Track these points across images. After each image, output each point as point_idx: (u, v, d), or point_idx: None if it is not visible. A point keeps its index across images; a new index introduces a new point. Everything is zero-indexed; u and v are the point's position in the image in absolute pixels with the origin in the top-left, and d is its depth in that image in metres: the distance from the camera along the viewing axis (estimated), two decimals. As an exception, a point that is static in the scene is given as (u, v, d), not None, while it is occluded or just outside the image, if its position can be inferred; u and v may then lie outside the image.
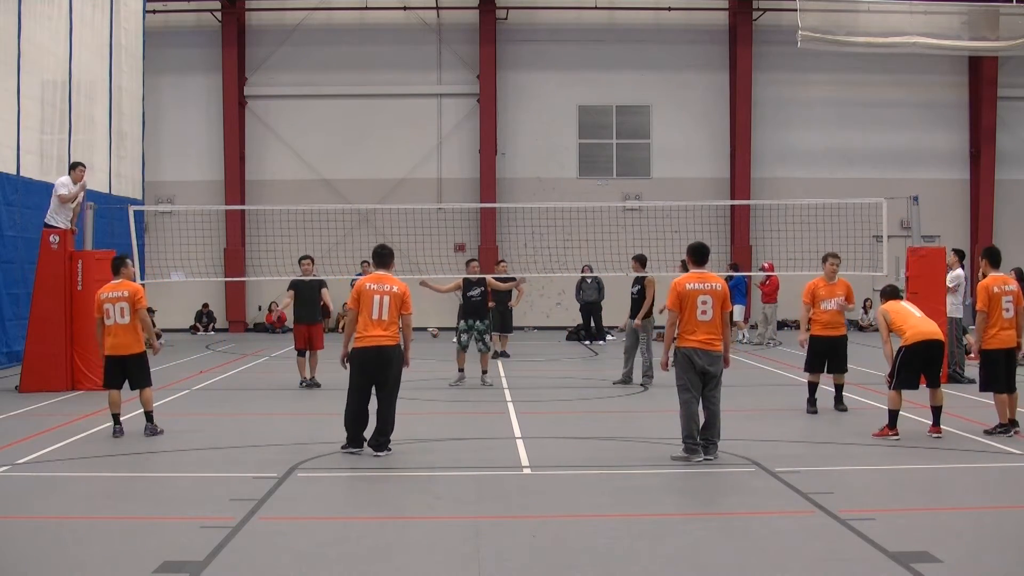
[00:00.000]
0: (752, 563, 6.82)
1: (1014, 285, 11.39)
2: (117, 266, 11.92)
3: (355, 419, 10.41)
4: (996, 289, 11.18)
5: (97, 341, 11.89)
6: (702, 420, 10.00)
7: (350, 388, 10.46)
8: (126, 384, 11.69)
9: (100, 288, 11.92)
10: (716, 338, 9.94)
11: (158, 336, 24.48)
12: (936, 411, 11.31)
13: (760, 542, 7.31)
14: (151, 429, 11.54)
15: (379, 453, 10.28)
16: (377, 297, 10.21)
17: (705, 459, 9.87)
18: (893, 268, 23.24)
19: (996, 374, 11.24)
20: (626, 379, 16.01)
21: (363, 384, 10.34)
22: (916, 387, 11.26)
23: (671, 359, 10.39)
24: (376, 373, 10.26)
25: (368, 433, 10.48)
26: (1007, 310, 11.17)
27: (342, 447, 10.48)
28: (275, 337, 27.38)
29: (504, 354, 20.79)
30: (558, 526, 7.76)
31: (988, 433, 11.32)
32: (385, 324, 10.20)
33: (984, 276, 11.52)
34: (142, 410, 11.73)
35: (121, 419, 11.62)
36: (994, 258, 11.48)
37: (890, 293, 11.95)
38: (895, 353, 11.26)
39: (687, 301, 9.92)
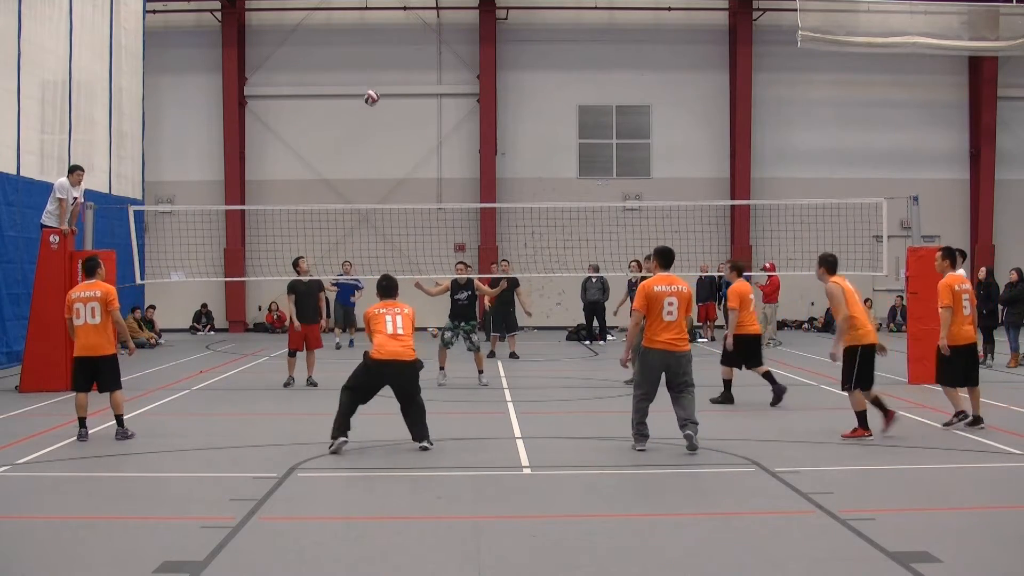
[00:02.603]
0: (752, 563, 6.82)
1: (968, 284, 12.03)
2: (92, 267, 11.70)
3: (347, 414, 10.64)
4: (957, 288, 11.71)
5: (72, 342, 11.65)
6: (678, 415, 10.38)
7: (352, 388, 10.68)
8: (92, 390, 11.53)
9: (72, 288, 11.79)
10: (682, 339, 10.29)
11: (159, 336, 24.69)
12: (869, 412, 11.26)
13: (760, 542, 7.31)
14: (122, 433, 11.31)
15: (424, 444, 10.56)
16: (389, 317, 10.66)
17: (689, 449, 10.21)
18: (893, 268, 23.26)
19: (955, 369, 11.71)
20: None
21: (368, 388, 10.69)
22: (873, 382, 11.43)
23: (632, 357, 10.76)
24: (394, 385, 10.60)
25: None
26: (966, 307, 11.70)
27: (330, 449, 10.41)
28: (275, 337, 27.36)
29: (513, 355, 20.78)
30: (558, 526, 7.76)
31: (947, 425, 11.75)
32: (403, 339, 10.59)
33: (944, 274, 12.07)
34: (115, 413, 11.46)
35: (115, 422, 11.60)
36: (955, 259, 12.10)
37: (832, 263, 11.99)
38: (851, 355, 11.16)
39: (654, 303, 10.20)
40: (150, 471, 9.97)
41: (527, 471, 9.75)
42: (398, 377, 10.54)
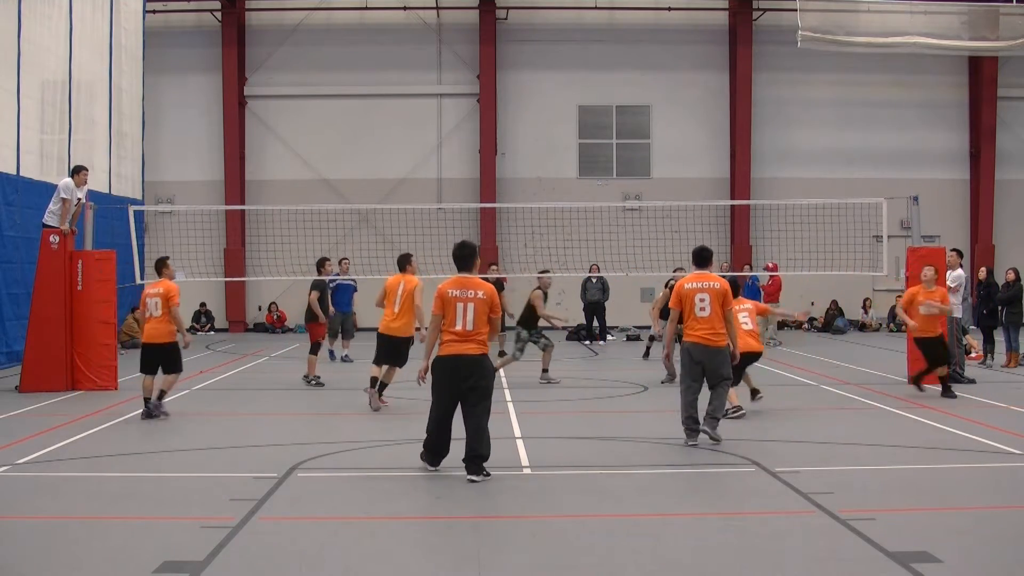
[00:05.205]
0: (752, 563, 6.82)
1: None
2: (159, 267, 13.40)
3: (433, 433, 9.34)
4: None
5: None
6: (707, 408, 10.78)
7: (432, 403, 9.43)
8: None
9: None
10: (715, 333, 10.67)
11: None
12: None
13: (760, 542, 7.31)
14: (157, 407, 12.73)
15: (471, 477, 9.10)
16: (461, 306, 9.11)
17: (708, 435, 10.68)
18: (893, 268, 23.26)
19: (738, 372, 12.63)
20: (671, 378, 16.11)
21: (443, 392, 9.23)
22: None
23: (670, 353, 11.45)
24: (458, 386, 9.12)
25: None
26: (745, 324, 12.72)
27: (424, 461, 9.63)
28: (275, 337, 27.37)
29: (503, 354, 20.77)
30: (558, 526, 7.76)
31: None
32: (472, 337, 9.10)
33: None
34: (160, 388, 12.91)
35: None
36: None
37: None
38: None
39: (686, 299, 10.73)
40: (150, 471, 9.96)
41: (527, 471, 9.75)
42: (457, 376, 9.09)
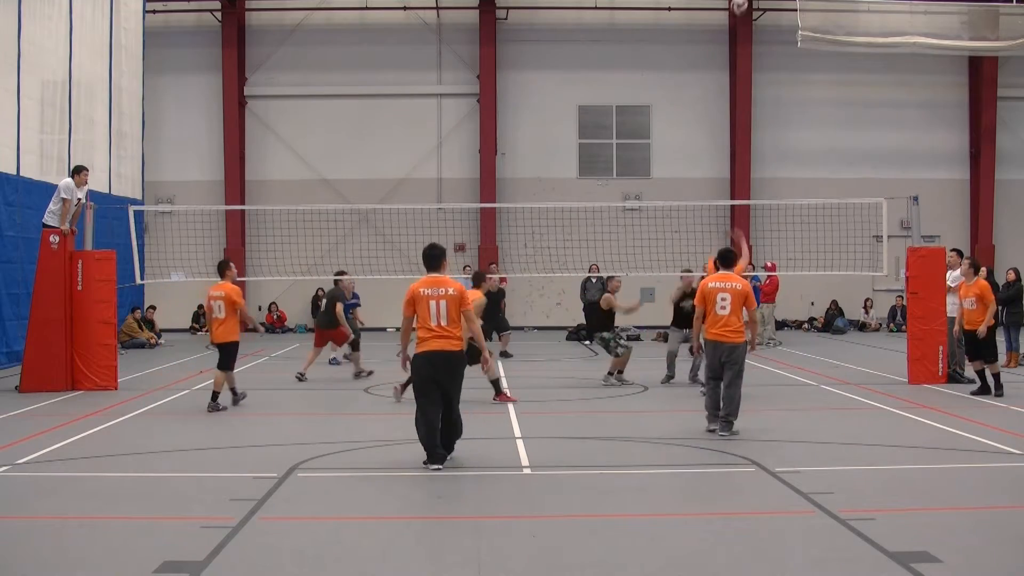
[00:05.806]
0: (752, 563, 6.82)
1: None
2: (221, 269, 13.93)
3: (430, 433, 9.68)
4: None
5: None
6: (720, 407, 11.38)
7: (418, 399, 9.82)
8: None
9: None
10: (732, 331, 11.29)
11: (158, 336, 24.70)
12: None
13: (760, 542, 7.31)
14: (213, 407, 13.38)
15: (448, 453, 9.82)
16: (433, 303, 9.57)
17: (720, 434, 11.16)
18: (893, 268, 23.26)
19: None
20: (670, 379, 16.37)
21: (430, 384, 9.66)
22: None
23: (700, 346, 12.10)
24: (437, 380, 9.61)
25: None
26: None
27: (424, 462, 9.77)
28: (275, 337, 27.37)
29: (506, 354, 20.78)
30: (558, 526, 7.76)
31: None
32: (446, 331, 9.57)
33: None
34: (213, 389, 13.62)
35: (218, 398, 13.48)
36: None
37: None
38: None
39: (709, 298, 11.41)
40: (150, 471, 9.97)
41: (527, 471, 9.75)
42: (438, 370, 9.57)
